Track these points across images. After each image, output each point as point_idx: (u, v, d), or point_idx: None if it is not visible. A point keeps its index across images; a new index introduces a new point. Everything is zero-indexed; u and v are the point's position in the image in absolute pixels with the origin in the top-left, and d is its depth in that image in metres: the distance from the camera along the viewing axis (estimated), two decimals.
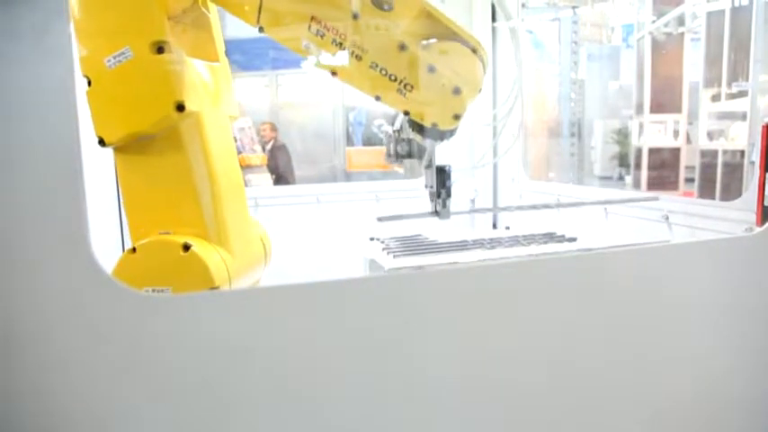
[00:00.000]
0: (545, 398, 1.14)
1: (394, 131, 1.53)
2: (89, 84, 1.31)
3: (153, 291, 1.30)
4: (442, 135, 1.44)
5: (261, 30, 1.37)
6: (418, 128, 1.45)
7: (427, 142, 1.47)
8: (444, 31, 1.42)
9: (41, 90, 0.81)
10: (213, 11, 1.56)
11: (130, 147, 1.36)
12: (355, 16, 1.34)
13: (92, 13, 1.32)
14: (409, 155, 1.52)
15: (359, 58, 1.35)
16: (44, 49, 0.80)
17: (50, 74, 0.81)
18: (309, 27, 1.34)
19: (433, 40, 1.41)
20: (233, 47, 1.62)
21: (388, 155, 1.55)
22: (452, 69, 1.37)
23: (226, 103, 1.59)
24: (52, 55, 0.80)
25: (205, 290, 1.32)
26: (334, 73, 1.39)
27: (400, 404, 1.04)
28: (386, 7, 1.36)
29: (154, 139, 1.34)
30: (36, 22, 0.79)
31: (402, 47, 1.35)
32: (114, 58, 1.29)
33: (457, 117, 1.39)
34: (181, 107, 1.31)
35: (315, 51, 1.37)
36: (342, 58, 1.36)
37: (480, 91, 1.46)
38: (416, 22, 1.39)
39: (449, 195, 1.53)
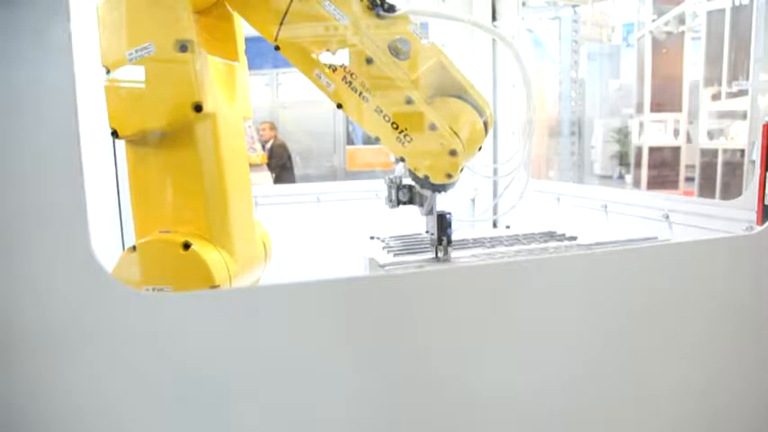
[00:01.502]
0: (544, 397, 1.14)
1: (395, 177, 1.55)
2: (107, 73, 1.31)
3: (153, 289, 1.30)
4: (439, 187, 1.46)
5: (277, 48, 1.39)
6: (415, 176, 1.47)
7: (426, 191, 1.48)
8: (454, 86, 1.44)
9: (42, 88, 0.81)
10: None
11: (144, 141, 1.36)
12: (369, 61, 1.36)
13: (119, 4, 1.32)
14: (410, 201, 1.55)
15: (366, 99, 1.38)
16: (44, 47, 0.80)
17: (51, 72, 0.81)
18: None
19: (440, 95, 1.43)
20: None
21: (389, 200, 1.57)
22: (453, 129, 1.39)
23: (240, 104, 1.59)
24: (53, 53, 0.80)
25: (205, 288, 1.32)
26: (339, 105, 1.41)
27: (400, 404, 1.04)
28: (402, 57, 1.38)
29: (167, 136, 1.34)
30: (36, 20, 0.79)
31: (409, 101, 1.38)
32: (136, 51, 1.28)
33: (449, 176, 1.42)
34: (198, 108, 1.31)
35: (324, 82, 1.40)
36: (349, 95, 1.39)
37: (480, 150, 1.48)
38: (429, 74, 1.42)
39: (449, 242, 1.55)
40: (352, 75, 1.38)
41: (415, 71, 1.40)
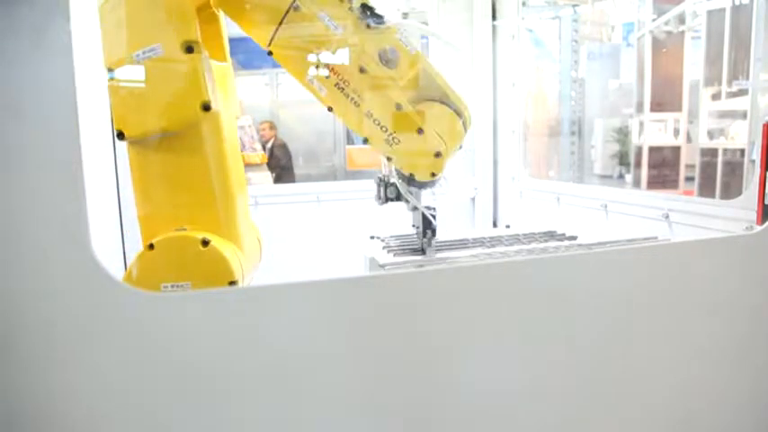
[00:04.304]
0: (545, 396, 1.14)
1: (383, 176, 1.67)
2: (110, 74, 1.32)
3: (172, 286, 1.30)
4: (424, 184, 1.59)
5: (270, 53, 1.45)
6: (401, 174, 1.59)
7: (411, 188, 1.61)
8: (436, 91, 1.54)
9: (41, 89, 0.81)
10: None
11: (148, 142, 1.37)
12: (362, 70, 1.44)
13: (120, 4, 1.32)
14: (398, 198, 1.67)
15: (357, 104, 1.47)
16: (44, 47, 0.80)
17: (51, 72, 0.81)
18: (317, 66, 1.46)
19: (424, 99, 1.54)
20: (234, 45, 1.63)
21: (378, 197, 1.69)
22: (437, 132, 1.51)
23: (231, 104, 1.61)
24: (52, 53, 0.80)
25: (224, 284, 1.33)
26: (330, 109, 1.50)
27: (400, 403, 1.04)
28: (391, 65, 1.48)
29: (174, 137, 1.36)
30: (36, 20, 0.79)
31: (398, 107, 1.48)
32: (144, 53, 1.29)
33: (434, 175, 1.54)
34: (207, 107, 1.33)
35: (317, 86, 1.47)
36: (341, 100, 1.47)
37: (461, 148, 1.60)
38: (414, 80, 1.53)
39: (434, 235, 1.67)
40: (344, 81, 1.45)
41: (403, 78, 1.49)
